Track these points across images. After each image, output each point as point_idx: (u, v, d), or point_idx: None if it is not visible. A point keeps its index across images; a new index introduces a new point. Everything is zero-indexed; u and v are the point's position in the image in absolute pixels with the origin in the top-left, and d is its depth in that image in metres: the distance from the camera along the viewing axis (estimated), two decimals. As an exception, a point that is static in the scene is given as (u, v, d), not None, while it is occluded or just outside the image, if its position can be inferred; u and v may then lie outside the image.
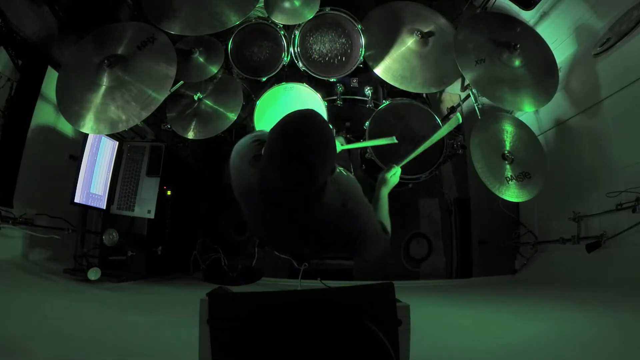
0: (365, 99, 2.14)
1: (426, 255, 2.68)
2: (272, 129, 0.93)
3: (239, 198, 1.15)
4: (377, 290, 0.86)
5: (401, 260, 2.64)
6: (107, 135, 1.99)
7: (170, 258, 2.22)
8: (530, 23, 2.50)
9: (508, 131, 1.98)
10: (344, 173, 1.24)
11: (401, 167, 1.51)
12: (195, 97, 2.00)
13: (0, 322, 1.23)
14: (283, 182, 0.95)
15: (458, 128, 2.95)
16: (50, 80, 1.91)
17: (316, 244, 1.15)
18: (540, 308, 1.68)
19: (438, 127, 2.02)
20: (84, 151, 1.90)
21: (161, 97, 1.67)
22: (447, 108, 2.48)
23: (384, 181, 1.46)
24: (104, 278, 1.80)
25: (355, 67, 2.04)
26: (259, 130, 1.29)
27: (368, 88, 2.13)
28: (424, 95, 2.43)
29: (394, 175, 1.48)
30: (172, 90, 1.81)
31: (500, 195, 1.85)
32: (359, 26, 2.03)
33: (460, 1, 2.71)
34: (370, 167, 2.05)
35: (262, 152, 0.97)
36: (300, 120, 0.93)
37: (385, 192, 1.44)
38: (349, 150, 2.18)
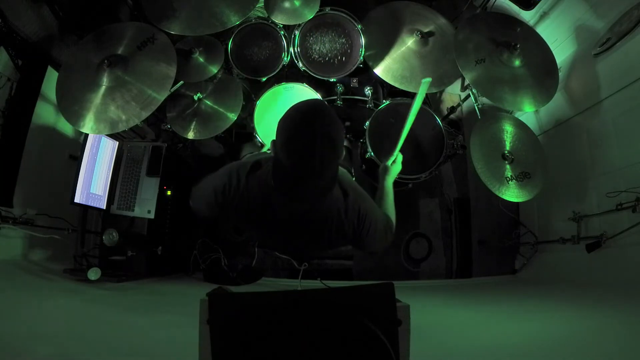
0: (365, 99, 2.14)
1: (426, 255, 2.68)
2: (282, 121, 0.93)
3: (244, 214, 1.11)
4: (377, 290, 0.86)
5: (401, 260, 2.64)
6: (107, 135, 1.99)
7: (170, 258, 2.22)
8: (530, 23, 2.50)
9: (508, 131, 1.98)
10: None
11: (401, 166, 1.50)
12: (195, 97, 2.00)
13: (0, 322, 1.23)
14: (306, 167, 0.91)
15: (458, 128, 2.95)
16: (50, 80, 1.90)
17: (323, 238, 1.14)
18: (540, 308, 1.68)
19: (438, 127, 2.03)
20: (84, 151, 1.90)
21: (161, 97, 1.67)
22: (447, 108, 2.48)
23: (386, 170, 1.44)
24: (104, 278, 1.80)
25: (355, 67, 2.04)
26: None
27: (368, 88, 2.12)
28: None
29: (396, 163, 1.46)
30: (172, 90, 1.81)
31: (500, 195, 1.85)
32: (359, 26, 2.03)
33: (460, 1, 2.71)
34: (371, 167, 2.05)
35: (271, 150, 0.98)
36: (310, 105, 0.94)
37: (389, 181, 1.42)
38: (349, 150, 2.19)
